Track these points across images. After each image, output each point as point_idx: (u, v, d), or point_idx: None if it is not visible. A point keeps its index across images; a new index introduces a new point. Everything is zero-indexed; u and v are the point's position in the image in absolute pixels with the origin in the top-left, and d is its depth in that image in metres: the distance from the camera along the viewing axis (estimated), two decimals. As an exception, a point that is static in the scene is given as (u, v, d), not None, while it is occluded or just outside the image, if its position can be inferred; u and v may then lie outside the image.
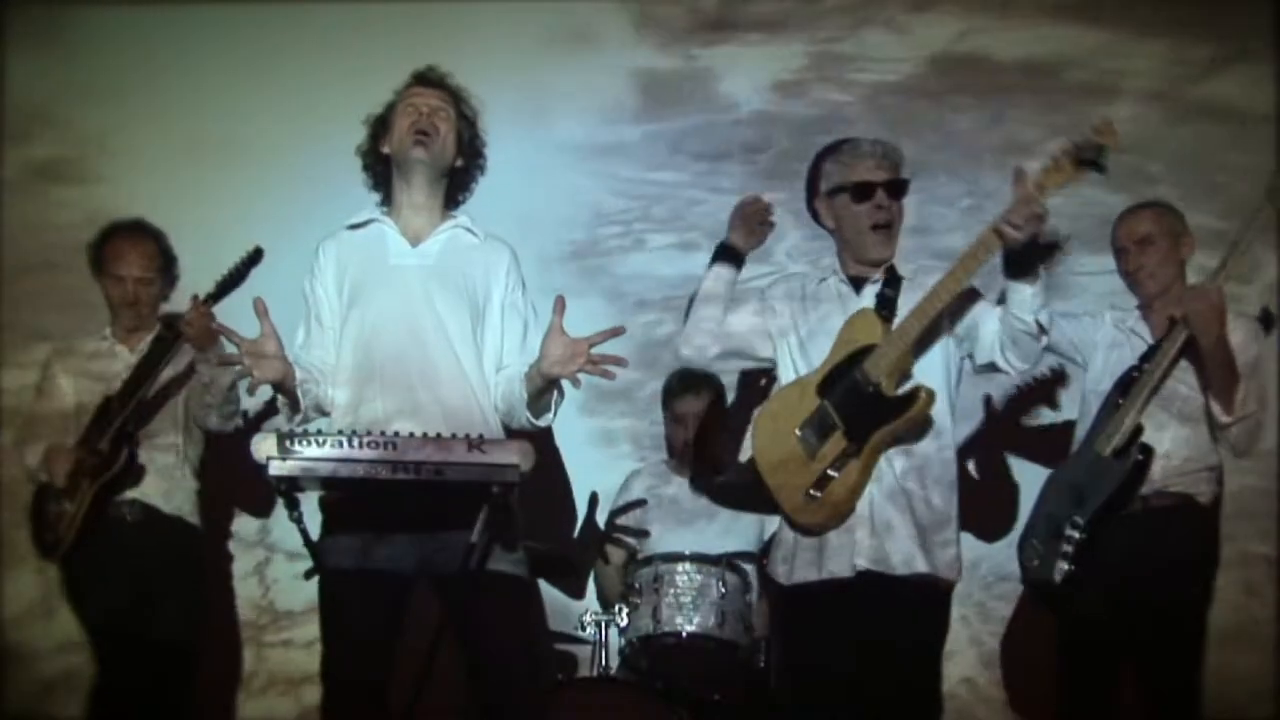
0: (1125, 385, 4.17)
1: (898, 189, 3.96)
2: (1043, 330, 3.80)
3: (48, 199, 5.48)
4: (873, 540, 3.83)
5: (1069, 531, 4.11)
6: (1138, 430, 4.11)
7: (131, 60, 5.55)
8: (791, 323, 4.04)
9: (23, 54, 5.56)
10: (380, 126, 3.90)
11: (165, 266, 4.72)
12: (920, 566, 3.83)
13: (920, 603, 3.84)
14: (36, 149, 5.54)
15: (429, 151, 3.80)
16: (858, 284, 3.99)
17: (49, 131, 5.54)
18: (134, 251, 4.65)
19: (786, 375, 4.05)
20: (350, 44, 5.47)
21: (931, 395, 3.78)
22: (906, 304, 3.89)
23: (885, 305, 3.91)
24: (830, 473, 3.84)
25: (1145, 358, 4.19)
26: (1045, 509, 4.26)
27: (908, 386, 3.81)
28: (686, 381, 4.95)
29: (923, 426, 3.84)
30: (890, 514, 3.84)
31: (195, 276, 5.27)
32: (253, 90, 5.49)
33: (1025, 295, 3.74)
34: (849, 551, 3.84)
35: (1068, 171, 3.60)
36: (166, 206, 5.01)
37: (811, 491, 3.86)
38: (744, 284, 4.14)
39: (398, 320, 3.74)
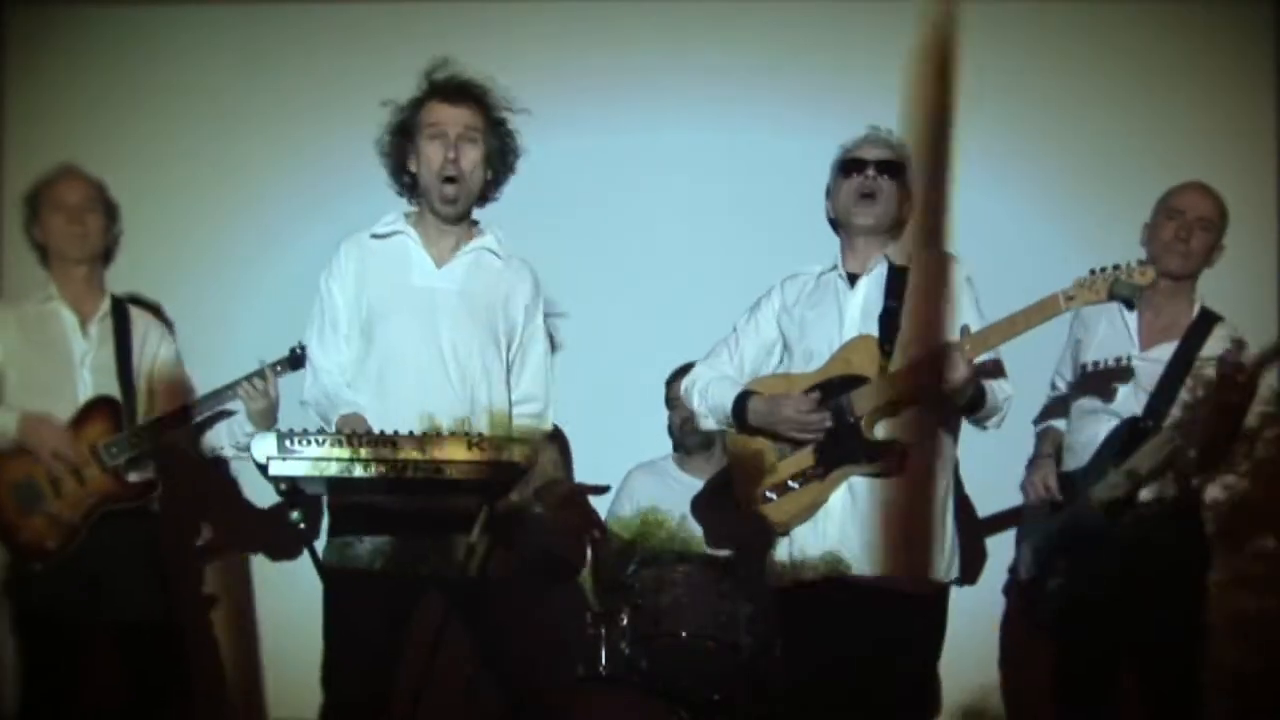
0: (1128, 439, 4.13)
1: (888, 166, 3.95)
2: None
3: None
4: (842, 546, 3.81)
5: (1057, 576, 4.17)
6: (1136, 487, 4.10)
7: (131, 60, 5.54)
8: (788, 314, 4.04)
9: (22, 54, 5.56)
10: (403, 136, 3.84)
11: (108, 209, 4.47)
12: (894, 567, 3.80)
13: (901, 606, 3.79)
14: (36, 149, 5.53)
15: (456, 206, 3.80)
16: (853, 279, 3.97)
17: (48, 131, 5.53)
18: (75, 182, 4.43)
19: (770, 360, 4.07)
20: (354, 43, 5.46)
21: (903, 450, 3.78)
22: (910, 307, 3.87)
23: (888, 329, 3.86)
24: (791, 484, 3.85)
25: (1149, 411, 4.14)
26: (1035, 536, 4.27)
27: (888, 431, 3.80)
28: None
29: (892, 474, 3.81)
30: (861, 520, 3.81)
31: (195, 277, 5.31)
32: (253, 90, 5.49)
33: (972, 417, 3.84)
34: (818, 558, 3.82)
35: (1100, 296, 3.70)
36: (166, 206, 5.01)
37: (768, 494, 3.88)
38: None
39: (418, 344, 3.73)
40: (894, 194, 3.96)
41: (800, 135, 5.27)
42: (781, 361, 4.07)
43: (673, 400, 5.02)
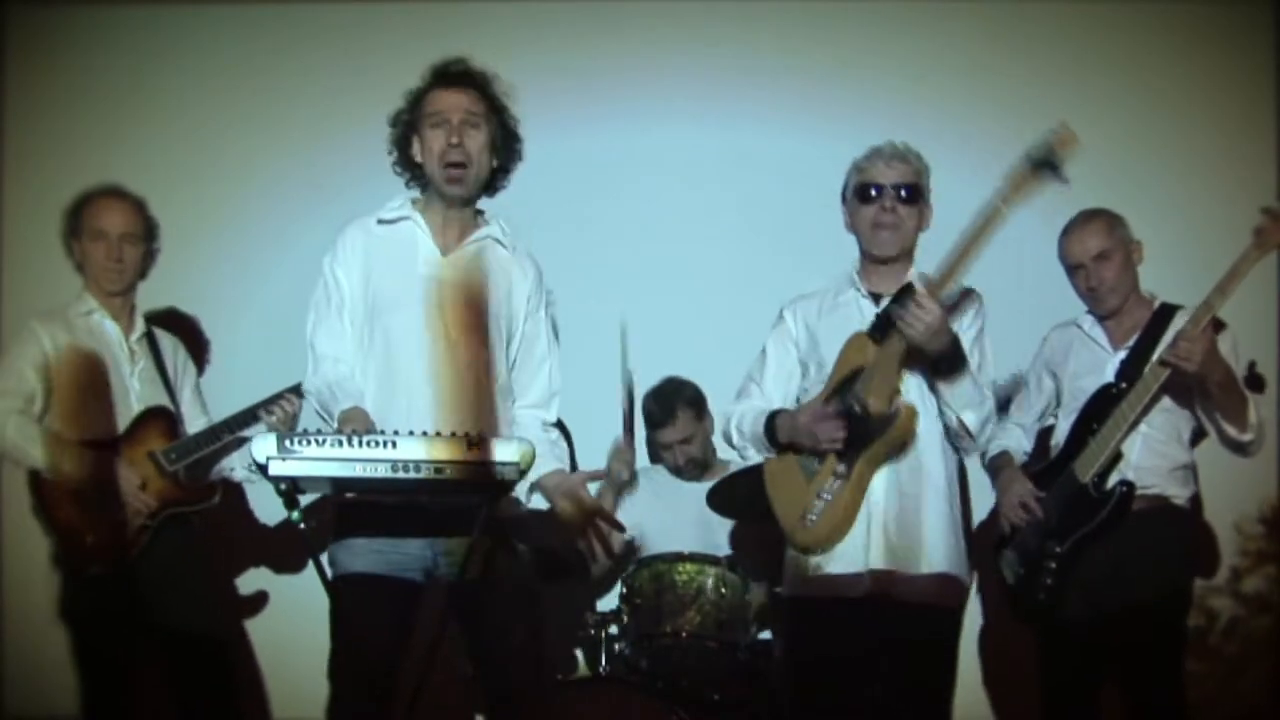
0: (1101, 405, 4.16)
1: (906, 192, 3.91)
2: (970, 437, 3.84)
3: (48, 198, 5.47)
4: (875, 556, 3.80)
5: (1048, 562, 4.15)
6: (1117, 456, 4.12)
7: (131, 60, 5.55)
8: (809, 337, 4.01)
9: (23, 54, 5.56)
10: (408, 128, 3.80)
11: (147, 232, 4.53)
12: (932, 567, 3.81)
13: (929, 618, 3.81)
14: (37, 150, 5.53)
15: (464, 186, 3.75)
16: (878, 299, 3.95)
17: (48, 131, 5.54)
18: (118, 208, 4.48)
19: (804, 389, 4.03)
20: (355, 43, 5.46)
21: (912, 411, 3.78)
22: None
23: (880, 326, 3.85)
24: (824, 496, 3.83)
25: (1121, 374, 4.17)
26: (1026, 527, 4.24)
27: (895, 404, 3.79)
28: (663, 409, 4.95)
29: (908, 441, 3.81)
30: (887, 528, 3.81)
31: (194, 278, 5.32)
32: (254, 89, 5.49)
33: (949, 391, 3.79)
34: (856, 571, 3.81)
35: (1029, 179, 3.65)
36: (167, 206, 5.00)
37: (808, 516, 3.85)
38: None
39: (419, 335, 3.70)
40: (914, 218, 3.93)
41: (806, 135, 5.29)
42: (804, 380, 4.04)
43: (659, 443, 5.01)
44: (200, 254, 5.35)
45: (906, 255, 3.98)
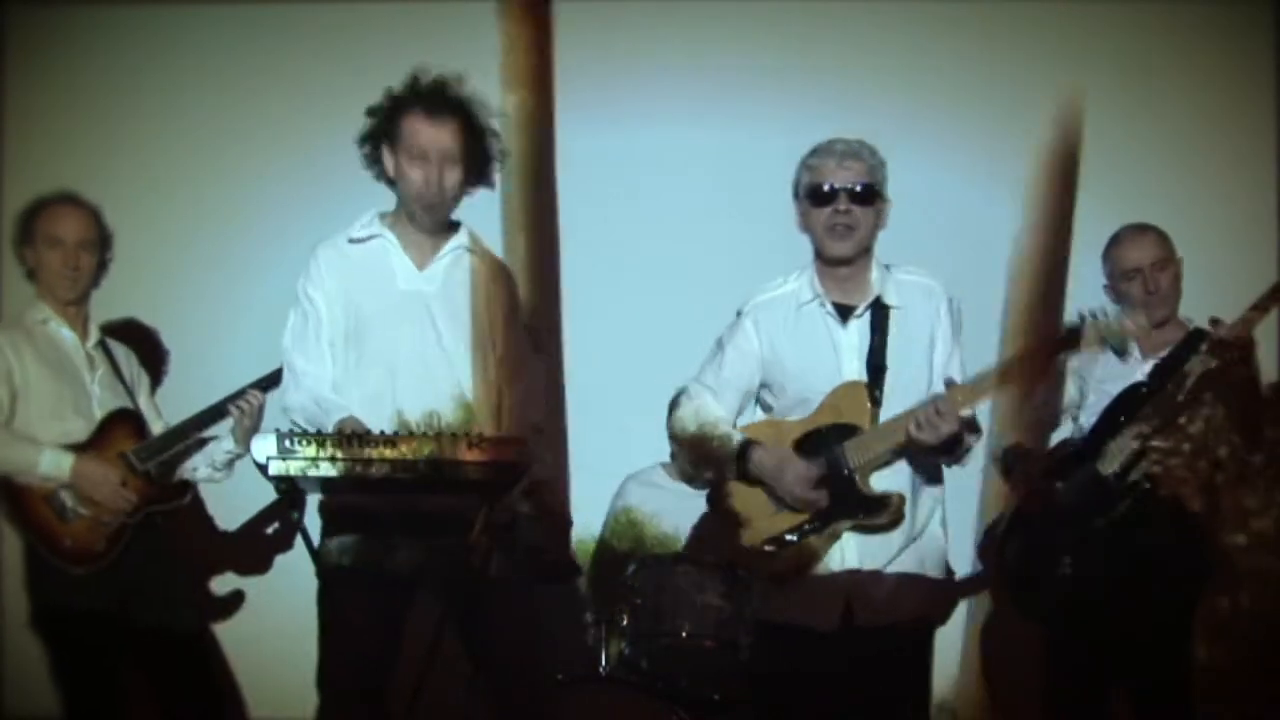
0: (1129, 403, 4.15)
1: (862, 189, 3.77)
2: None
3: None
4: (850, 590, 3.75)
5: (1061, 554, 4.15)
6: (1141, 453, 4.11)
7: (131, 60, 5.54)
8: (772, 352, 3.88)
9: (22, 54, 5.56)
10: (383, 139, 3.79)
11: (102, 241, 4.48)
12: (904, 566, 3.77)
13: (902, 647, 3.76)
14: (37, 150, 5.53)
15: (434, 217, 3.78)
16: (844, 313, 3.83)
17: (48, 131, 5.53)
18: (74, 216, 4.43)
19: (763, 403, 3.98)
20: (355, 43, 5.46)
21: (902, 502, 3.73)
22: (897, 349, 3.77)
23: (873, 369, 3.76)
24: (789, 538, 3.78)
25: (1156, 373, 4.17)
26: (1038, 520, 4.25)
27: (883, 484, 3.75)
28: None
29: (897, 521, 3.76)
30: (863, 563, 3.77)
31: (196, 278, 5.32)
32: (253, 90, 5.49)
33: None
34: (830, 606, 3.75)
35: (1094, 347, 3.71)
36: (166, 206, 5.01)
37: (767, 547, 3.81)
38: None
39: (415, 349, 3.72)
40: (871, 218, 3.79)
41: (806, 135, 5.28)
42: (759, 393, 3.95)
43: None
44: (200, 254, 5.35)
45: (865, 255, 3.84)
